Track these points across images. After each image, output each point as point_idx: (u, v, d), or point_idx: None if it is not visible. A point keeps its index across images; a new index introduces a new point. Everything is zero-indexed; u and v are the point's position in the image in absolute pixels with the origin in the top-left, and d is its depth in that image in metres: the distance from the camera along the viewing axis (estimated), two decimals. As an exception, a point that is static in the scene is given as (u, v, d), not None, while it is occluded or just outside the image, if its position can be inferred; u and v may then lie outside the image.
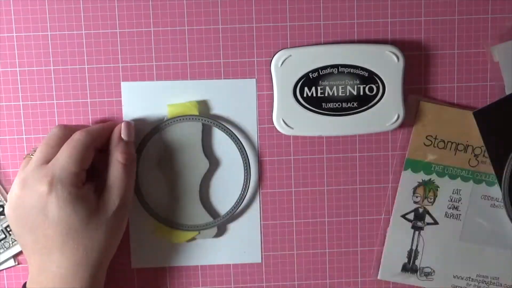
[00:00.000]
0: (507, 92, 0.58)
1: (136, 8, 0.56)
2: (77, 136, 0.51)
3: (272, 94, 0.56)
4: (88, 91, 0.57)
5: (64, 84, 0.57)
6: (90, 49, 0.56)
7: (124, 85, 0.57)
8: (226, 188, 0.58)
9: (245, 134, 0.58)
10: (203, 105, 0.57)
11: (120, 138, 0.54)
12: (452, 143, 0.59)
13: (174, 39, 0.57)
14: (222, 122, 0.57)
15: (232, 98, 0.57)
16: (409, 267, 0.60)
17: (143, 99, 0.57)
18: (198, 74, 0.57)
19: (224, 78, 0.57)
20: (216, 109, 0.57)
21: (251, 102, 0.58)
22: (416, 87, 0.58)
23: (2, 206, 0.57)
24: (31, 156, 0.53)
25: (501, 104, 0.58)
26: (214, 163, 0.58)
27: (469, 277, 0.60)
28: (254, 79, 0.57)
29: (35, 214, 0.50)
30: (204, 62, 0.57)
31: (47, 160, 0.51)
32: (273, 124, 0.57)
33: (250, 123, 0.58)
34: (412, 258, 0.60)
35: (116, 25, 0.56)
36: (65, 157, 0.50)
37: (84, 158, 0.51)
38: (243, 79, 0.57)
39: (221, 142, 0.58)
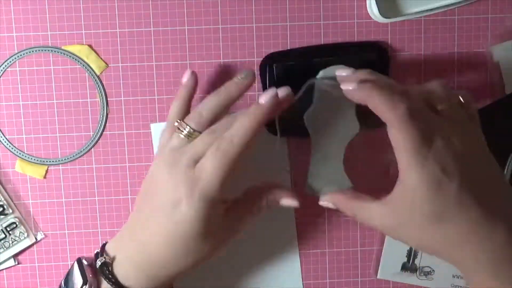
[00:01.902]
0: (507, 92, 0.58)
1: (136, 8, 0.56)
2: (225, 147, 0.48)
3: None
4: (88, 91, 0.57)
5: (64, 84, 0.57)
6: (90, 49, 0.57)
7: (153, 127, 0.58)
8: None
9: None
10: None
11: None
12: (452, 142, 0.58)
13: (174, 39, 0.57)
14: None
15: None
16: (409, 267, 0.60)
17: (143, 99, 0.57)
18: (198, 74, 0.57)
19: (224, 78, 0.57)
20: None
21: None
22: (416, 87, 0.58)
23: (2, 206, 0.57)
24: (181, 135, 0.50)
25: (501, 103, 0.58)
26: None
27: (469, 277, 0.60)
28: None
29: (166, 201, 0.49)
30: (204, 62, 0.57)
31: (199, 157, 0.49)
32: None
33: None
34: (411, 258, 0.60)
35: (116, 25, 0.56)
36: (212, 169, 0.48)
37: (231, 171, 0.48)
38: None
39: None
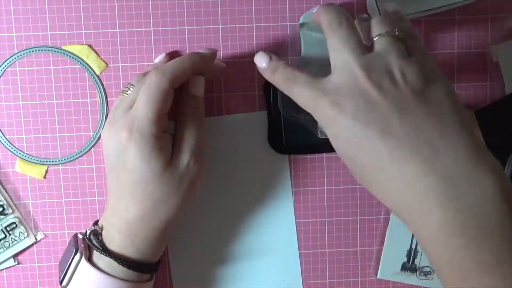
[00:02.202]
0: (507, 92, 0.58)
1: (136, 8, 0.56)
2: (153, 79, 0.49)
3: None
4: (88, 91, 0.57)
5: (64, 84, 0.57)
6: (90, 49, 0.57)
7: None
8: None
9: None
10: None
11: (189, 94, 0.52)
12: (452, 142, 0.58)
13: (174, 39, 0.57)
14: None
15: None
16: (409, 266, 0.60)
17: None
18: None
19: (223, 78, 0.57)
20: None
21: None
22: (416, 87, 0.58)
23: (2, 206, 0.57)
24: (125, 94, 0.52)
25: (502, 103, 0.58)
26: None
27: (469, 277, 0.60)
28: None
29: (115, 157, 0.50)
30: (204, 62, 0.57)
31: (134, 102, 0.50)
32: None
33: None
34: (411, 257, 0.60)
35: (116, 25, 0.56)
36: (143, 103, 0.49)
37: (162, 103, 0.49)
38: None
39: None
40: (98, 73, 0.57)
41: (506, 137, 0.58)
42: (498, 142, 0.58)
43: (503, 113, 0.58)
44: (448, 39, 0.58)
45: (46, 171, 0.58)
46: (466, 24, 0.58)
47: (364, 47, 0.47)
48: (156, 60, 0.56)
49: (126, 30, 0.56)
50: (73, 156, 0.57)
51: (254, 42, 0.57)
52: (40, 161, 0.57)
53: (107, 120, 0.52)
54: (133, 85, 0.52)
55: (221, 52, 0.57)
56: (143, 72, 0.54)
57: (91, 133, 0.57)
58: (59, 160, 0.57)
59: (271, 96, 0.57)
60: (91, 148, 0.58)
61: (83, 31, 0.56)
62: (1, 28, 0.56)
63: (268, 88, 0.57)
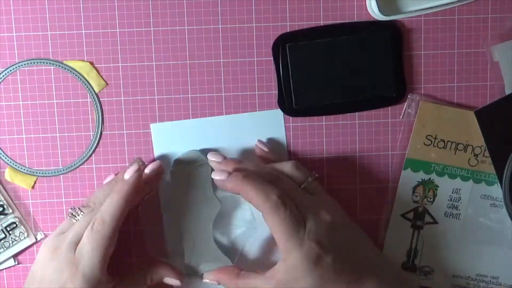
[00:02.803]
0: (507, 92, 0.58)
1: (136, 8, 0.56)
2: (98, 228, 0.51)
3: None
4: (87, 91, 0.57)
5: (64, 83, 0.57)
6: (90, 48, 0.56)
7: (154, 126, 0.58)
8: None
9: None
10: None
11: None
12: (452, 142, 0.59)
13: (174, 39, 0.57)
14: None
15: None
16: (409, 266, 0.60)
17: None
18: (198, 73, 0.57)
19: (224, 77, 0.57)
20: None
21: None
22: (416, 87, 0.58)
23: (2, 206, 0.57)
24: (74, 220, 0.53)
25: (502, 103, 0.58)
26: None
27: (469, 277, 0.60)
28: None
29: (49, 285, 0.51)
30: (204, 62, 0.57)
31: (79, 238, 0.51)
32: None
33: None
34: (411, 257, 0.60)
35: (116, 25, 0.56)
36: (90, 254, 0.50)
37: (108, 250, 0.51)
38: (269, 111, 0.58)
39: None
40: (97, 91, 0.57)
41: (506, 137, 0.58)
42: (498, 142, 0.58)
43: (503, 113, 0.58)
44: (448, 39, 0.58)
45: (35, 182, 0.58)
46: (466, 24, 0.58)
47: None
48: (127, 176, 0.54)
49: (126, 30, 0.56)
50: (73, 165, 0.58)
51: (254, 42, 0.57)
52: (30, 171, 0.57)
53: (48, 242, 0.53)
54: (83, 212, 0.53)
55: (221, 52, 0.57)
56: (93, 195, 0.55)
57: (84, 149, 0.57)
58: (50, 172, 0.58)
59: (279, 59, 0.57)
60: (83, 162, 0.57)
61: (83, 31, 0.56)
62: (1, 28, 0.56)
63: (277, 50, 0.57)
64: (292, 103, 0.57)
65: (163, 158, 0.57)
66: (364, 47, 0.57)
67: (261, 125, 0.58)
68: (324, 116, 0.58)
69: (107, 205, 0.51)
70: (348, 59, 0.57)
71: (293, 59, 0.57)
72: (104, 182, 0.57)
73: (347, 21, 0.57)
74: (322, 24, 0.57)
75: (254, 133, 0.58)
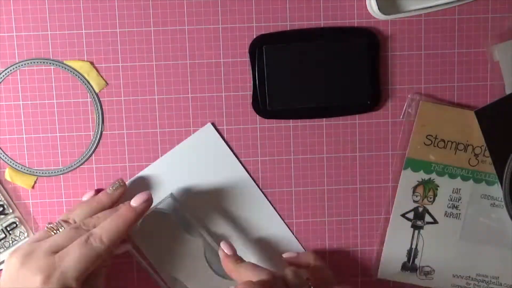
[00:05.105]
0: (507, 92, 0.58)
1: (136, 8, 0.56)
2: (93, 243, 0.50)
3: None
4: (87, 91, 0.57)
5: (64, 83, 0.57)
6: (90, 48, 0.56)
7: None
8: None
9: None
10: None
11: None
12: (452, 142, 0.59)
13: (174, 39, 0.57)
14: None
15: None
16: (409, 266, 0.60)
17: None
18: (198, 73, 0.57)
19: (224, 77, 0.57)
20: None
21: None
22: (416, 87, 0.58)
23: (3, 206, 0.57)
24: (52, 233, 0.52)
25: (502, 103, 0.58)
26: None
27: (469, 276, 0.60)
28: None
29: None
30: (204, 61, 0.57)
31: (60, 249, 0.50)
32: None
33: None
34: (411, 257, 0.60)
35: (116, 25, 0.56)
36: (74, 261, 0.49)
37: (93, 266, 0.50)
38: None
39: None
40: (97, 91, 0.57)
41: (506, 137, 0.58)
42: (498, 142, 0.58)
43: (503, 113, 0.58)
44: (448, 39, 0.58)
45: (35, 182, 0.58)
46: (466, 24, 0.58)
47: None
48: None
49: (126, 30, 0.56)
50: (73, 165, 0.58)
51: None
52: (30, 171, 0.57)
53: (19, 251, 0.50)
54: (63, 227, 0.52)
55: (221, 51, 0.57)
56: (73, 212, 0.54)
57: (84, 149, 0.57)
58: (50, 172, 0.58)
59: (256, 61, 0.57)
60: (83, 162, 0.58)
61: (83, 31, 0.56)
62: (1, 28, 0.56)
63: (253, 53, 0.57)
64: (266, 105, 0.57)
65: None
66: (341, 53, 0.57)
67: (200, 145, 0.58)
68: (324, 117, 0.58)
69: (109, 226, 0.51)
70: (324, 64, 0.57)
71: (269, 60, 0.57)
72: (83, 198, 0.56)
73: (328, 25, 0.57)
74: (322, 25, 0.57)
75: (201, 155, 0.58)
